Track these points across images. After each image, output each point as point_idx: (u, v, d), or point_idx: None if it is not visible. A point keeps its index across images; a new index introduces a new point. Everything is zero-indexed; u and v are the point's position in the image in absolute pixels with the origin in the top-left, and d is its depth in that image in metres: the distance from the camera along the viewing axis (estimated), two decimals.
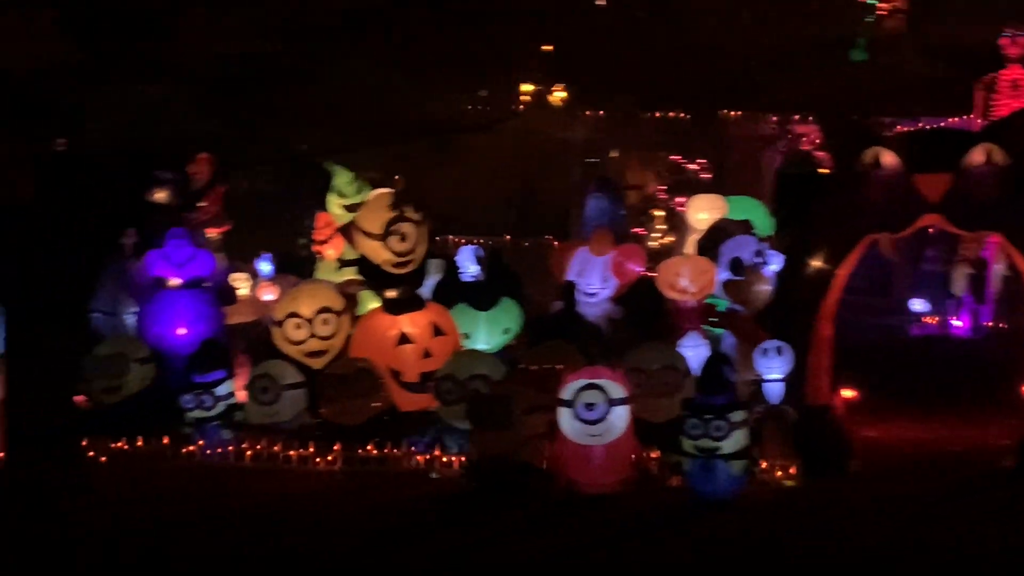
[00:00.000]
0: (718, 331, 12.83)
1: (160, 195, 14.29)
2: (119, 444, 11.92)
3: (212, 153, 14.76)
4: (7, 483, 10.76)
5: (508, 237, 18.34)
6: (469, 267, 14.81)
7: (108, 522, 9.57)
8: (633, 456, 10.36)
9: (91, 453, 11.67)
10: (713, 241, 13.50)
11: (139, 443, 11.93)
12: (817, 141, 18.77)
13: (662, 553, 8.73)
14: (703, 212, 14.40)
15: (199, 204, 14.82)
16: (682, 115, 19.78)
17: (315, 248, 14.57)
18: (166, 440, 11.96)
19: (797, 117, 19.76)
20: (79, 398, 12.68)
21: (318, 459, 11.39)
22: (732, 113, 19.74)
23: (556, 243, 17.18)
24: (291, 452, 11.52)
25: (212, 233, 14.99)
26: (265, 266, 14.84)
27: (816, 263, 11.68)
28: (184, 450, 11.82)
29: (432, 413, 11.72)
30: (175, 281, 13.07)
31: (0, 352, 11.87)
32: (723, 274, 13.03)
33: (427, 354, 12.23)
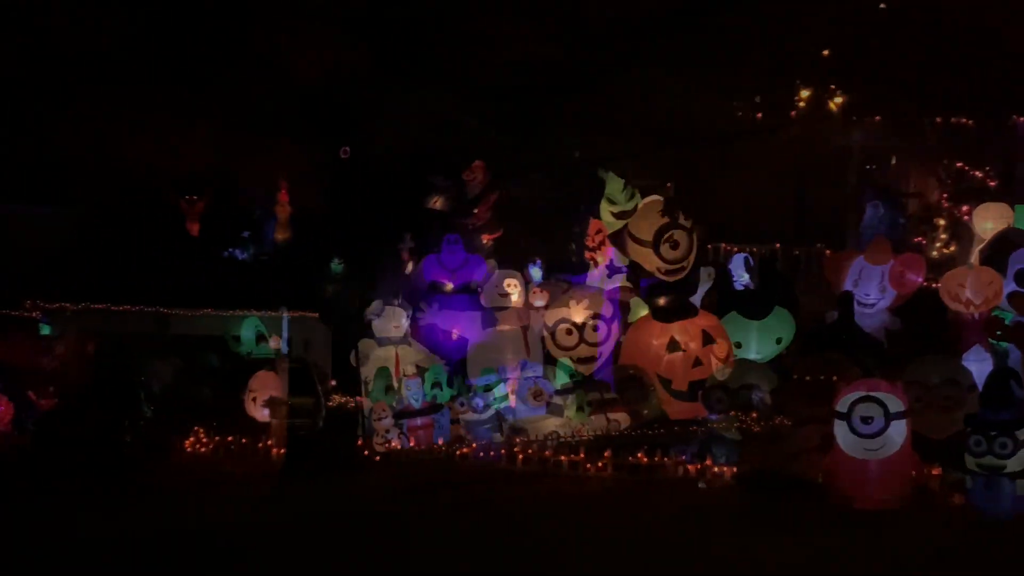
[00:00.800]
0: (1004, 345, 12.31)
1: (436, 201, 14.64)
2: (393, 443, 12.21)
3: (487, 160, 15.01)
4: (284, 479, 11.16)
5: (778, 245, 18.00)
6: (741, 275, 14.62)
7: (380, 518, 9.80)
8: (912, 472, 10.01)
9: (366, 452, 11.99)
10: (999, 251, 12.96)
11: (411, 443, 12.20)
12: None
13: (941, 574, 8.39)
14: (989, 221, 13.84)
15: (473, 210, 15.10)
16: (967, 121, 19.03)
17: (586, 254, 14.63)
18: (440, 440, 12.20)
19: None
20: (359, 398, 13.06)
21: (588, 465, 11.41)
22: (1021, 119, 18.88)
23: (828, 251, 16.78)
24: (562, 457, 11.58)
25: (485, 239, 15.24)
26: (536, 272, 14.98)
27: None
28: (459, 451, 12.02)
29: (702, 422, 11.61)
30: (449, 285, 13.33)
31: (283, 353, 12.35)
32: (1010, 286, 12.51)
33: (697, 362, 12.12)
